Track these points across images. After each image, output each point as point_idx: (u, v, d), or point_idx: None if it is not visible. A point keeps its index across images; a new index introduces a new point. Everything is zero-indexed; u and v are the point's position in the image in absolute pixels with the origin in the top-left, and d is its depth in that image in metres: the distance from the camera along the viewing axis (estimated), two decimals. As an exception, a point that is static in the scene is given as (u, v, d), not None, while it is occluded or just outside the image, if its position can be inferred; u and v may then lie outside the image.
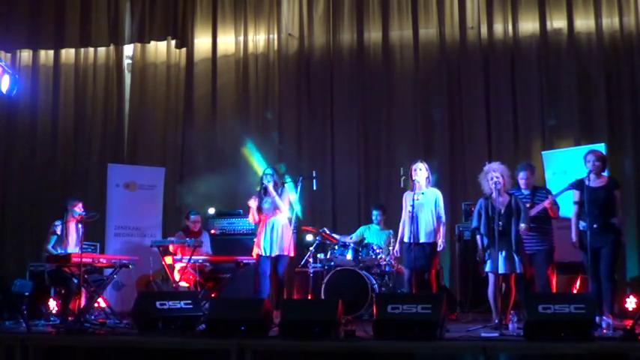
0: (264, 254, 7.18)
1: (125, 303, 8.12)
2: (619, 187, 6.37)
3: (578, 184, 6.37)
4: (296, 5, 10.04)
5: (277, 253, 7.17)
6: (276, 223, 7.23)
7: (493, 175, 6.28)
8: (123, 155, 10.12)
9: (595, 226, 6.17)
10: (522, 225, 6.20)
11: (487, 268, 6.29)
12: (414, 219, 6.75)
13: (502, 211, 6.23)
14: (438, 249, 6.93)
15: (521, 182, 6.77)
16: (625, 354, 4.79)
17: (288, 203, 7.34)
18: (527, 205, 6.59)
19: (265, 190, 7.29)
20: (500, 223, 6.13)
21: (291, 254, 7.31)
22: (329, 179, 9.55)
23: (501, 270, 6.17)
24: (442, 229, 6.96)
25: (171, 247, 8.04)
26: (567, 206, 6.95)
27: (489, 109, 9.37)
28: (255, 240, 7.40)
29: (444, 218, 6.98)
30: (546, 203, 6.56)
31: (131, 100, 10.35)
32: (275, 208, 7.25)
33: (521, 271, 6.23)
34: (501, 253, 6.16)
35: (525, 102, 9.28)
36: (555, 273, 6.70)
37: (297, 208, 7.79)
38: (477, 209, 6.43)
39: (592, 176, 6.32)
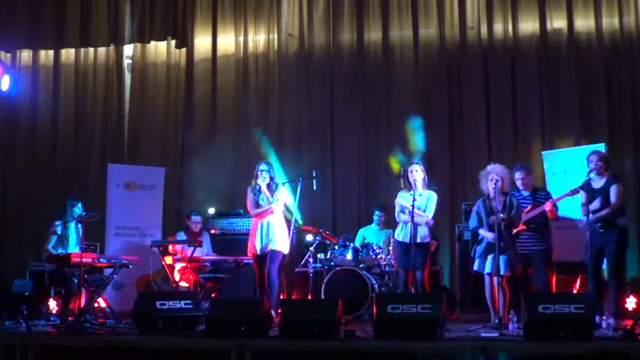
0: (257, 253, 7.02)
1: (125, 303, 8.11)
2: (616, 182, 6.35)
3: (585, 186, 6.37)
4: (296, 5, 10.04)
5: (269, 249, 6.94)
6: (271, 221, 7.03)
7: (494, 176, 6.30)
8: (123, 155, 10.12)
9: (598, 225, 6.19)
10: (501, 215, 6.18)
11: (487, 269, 6.30)
12: (413, 219, 6.74)
13: (499, 211, 6.24)
14: (426, 222, 6.88)
15: (518, 183, 6.79)
16: (625, 354, 4.79)
17: (282, 203, 7.18)
18: (528, 208, 6.59)
19: (260, 188, 7.09)
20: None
21: (285, 252, 7.06)
22: (329, 179, 9.55)
23: (502, 271, 6.17)
24: (424, 219, 6.89)
25: (170, 247, 8.05)
26: (569, 207, 6.95)
27: (489, 109, 9.37)
28: (249, 238, 7.19)
29: (431, 218, 6.94)
30: (546, 207, 6.54)
31: (131, 100, 10.35)
32: (270, 204, 7.04)
33: (512, 272, 6.23)
34: (496, 254, 6.16)
35: (525, 102, 9.28)
36: (554, 273, 6.67)
37: (295, 211, 7.78)
38: (475, 210, 6.44)
39: (594, 176, 6.33)
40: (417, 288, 6.76)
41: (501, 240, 6.15)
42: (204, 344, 5.41)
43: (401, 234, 6.91)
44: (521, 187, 6.78)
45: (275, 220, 7.07)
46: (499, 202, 6.25)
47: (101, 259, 7.46)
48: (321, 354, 5.23)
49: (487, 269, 6.24)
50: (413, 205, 6.74)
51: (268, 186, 7.09)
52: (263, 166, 7.15)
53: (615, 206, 6.28)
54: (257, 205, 7.13)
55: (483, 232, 6.33)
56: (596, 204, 6.28)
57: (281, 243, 7.02)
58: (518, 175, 6.81)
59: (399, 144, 9.35)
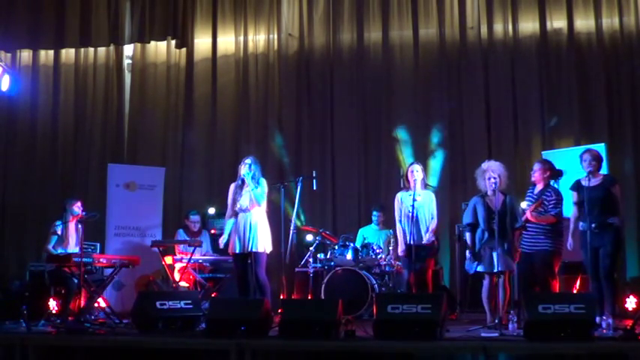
0: (238, 252, 6.74)
1: (125, 303, 8.12)
2: (616, 184, 6.35)
3: (575, 185, 6.38)
4: (296, 5, 10.04)
5: (252, 251, 6.68)
6: (252, 217, 6.74)
7: (491, 175, 6.28)
8: (123, 155, 10.11)
9: (593, 225, 6.18)
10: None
11: (480, 268, 6.29)
12: (413, 220, 6.74)
13: (499, 210, 6.22)
14: (427, 242, 6.86)
15: (532, 175, 6.70)
16: (625, 354, 4.79)
17: (267, 197, 6.87)
18: (532, 206, 6.55)
19: (243, 182, 6.80)
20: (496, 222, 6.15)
21: (268, 251, 6.83)
22: (329, 179, 9.55)
23: (496, 268, 6.17)
24: (433, 226, 6.94)
25: (176, 249, 8.09)
26: (569, 206, 6.93)
27: (489, 109, 9.37)
28: (224, 240, 6.89)
29: (436, 220, 6.97)
30: (527, 215, 6.43)
31: (131, 100, 10.34)
32: (253, 202, 6.76)
33: (511, 270, 6.22)
34: (496, 252, 6.15)
35: (525, 102, 9.28)
36: (557, 278, 6.59)
37: (297, 209, 7.76)
38: (472, 206, 6.40)
39: (589, 176, 6.33)
40: (420, 288, 6.75)
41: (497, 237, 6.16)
42: (204, 344, 5.41)
43: (407, 235, 6.89)
44: (533, 179, 6.70)
45: (257, 217, 6.79)
46: (498, 201, 6.24)
47: (101, 259, 7.47)
48: (321, 354, 5.23)
49: (484, 268, 6.22)
50: (413, 206, 6.74)
51: (252, 178, 6.79)
52: (247, 160, 6.85)
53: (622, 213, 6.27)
54: (235, 203, 6.84)
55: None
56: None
57: (263, 243, 6.75)
58: (535, 167, 6.71)
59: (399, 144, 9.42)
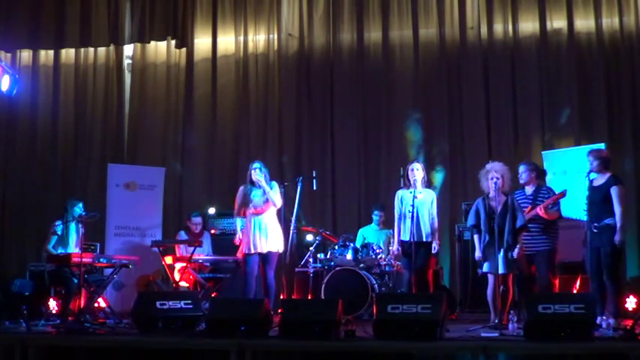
0: (251, 252, 6.85)
1: (125, 303, 8.12)
2: (617, 184, 6.32)
3: (588, 186, 6.37)
4: (296, 5, 10.04)
5: (266, 251, 6.85)
6: (265, 219, 6.92)
7: (494, 175, 6.29)
8: (123, 155, 10.12)
9: (595, 224, 6.19)
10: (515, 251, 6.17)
11: (485, 268, 6.29)
12: (413, 218, 6.73)
13: (499, 211, 6.22)
14: (433, 251, 6.87)
15: (519, 179, 6.76)
16: (625, 354, 4.79)
17: (281, 197, 7.03)
18: (528, 208, 6.58)
19: (253, 183, 6.96)
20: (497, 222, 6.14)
21: (280, 251, 6.99)
22: (329, 179, 9.55)
23: (501, 270, 6.16)
24: (437, 231, 6.95)
25: (176, 250, 8.09)
26: (572, 206, 6.94)
27: (489, 109, 9.37)
28: (239, 238, 7.02)
29: (437, 220, 6.95)
30: (539, 211, 6.49)
31: (131, 100, 10.34)
32: (266, 201, 6.92)
33: (514, 272, 6.21)
34: (500, 253, 6.15)
35: (525, 102, 9.28)
36: (557, 276, 6.62)
37: (297, 210, 7.75)
38: (475, 207, 6.43)
39: (594, 175, 6.34)
40: (420, 288, 6.74)
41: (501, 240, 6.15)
42: (204, 344, 5.41)
43: (405, 234, 6.88)
44: (522, 182, 6.75)
45: (269, 218, 6.96)
46: (499, 202, 6.24)
47: (101, 259, 7.48)
48: (321, 354, 5.23)
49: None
50: (413, 205, 6.73)
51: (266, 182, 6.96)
52: (257, 164, 7.05)
53: (623, 214, 6.24)
54: (246, 204, 6.96)
55: None
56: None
57: (277, 243, 6.94)
58: (519, 171, 6.78)
59: (399, 144, 9.41)
